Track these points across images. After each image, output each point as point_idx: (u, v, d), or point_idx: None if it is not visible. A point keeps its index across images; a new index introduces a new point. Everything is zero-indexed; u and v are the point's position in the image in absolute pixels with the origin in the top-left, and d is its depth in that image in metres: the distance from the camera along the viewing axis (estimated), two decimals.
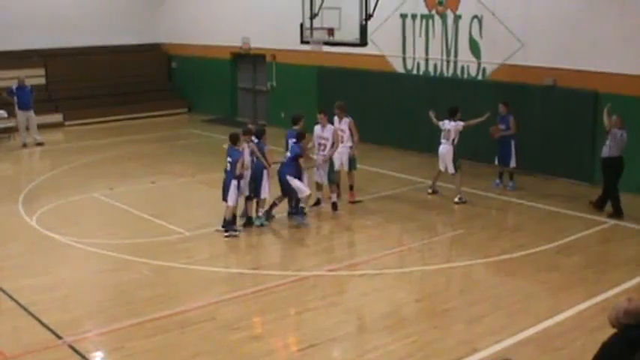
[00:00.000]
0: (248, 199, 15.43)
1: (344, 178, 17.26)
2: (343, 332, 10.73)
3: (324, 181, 16.64)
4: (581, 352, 9.36)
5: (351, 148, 16.96)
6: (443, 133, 17.38)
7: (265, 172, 15.24)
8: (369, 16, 17.63)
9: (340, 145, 16.64)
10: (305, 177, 15.72)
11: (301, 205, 15.64)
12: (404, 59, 22.90)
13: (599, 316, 9.22)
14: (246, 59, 29.15)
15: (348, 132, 16.96)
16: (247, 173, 15.00)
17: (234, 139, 14.85)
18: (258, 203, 15.56)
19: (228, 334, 10.50)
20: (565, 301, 11.54)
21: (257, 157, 15.16)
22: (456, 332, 10.66)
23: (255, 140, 15.33)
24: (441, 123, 17.45)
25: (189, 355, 9.90)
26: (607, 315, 6.25)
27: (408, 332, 10.57)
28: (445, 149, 17.24)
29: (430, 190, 17.90)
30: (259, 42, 27.44)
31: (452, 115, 17.31)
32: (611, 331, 6.20)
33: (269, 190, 15.44)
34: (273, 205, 15.79)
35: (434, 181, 17.89)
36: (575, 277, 12.72)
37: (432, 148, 18.96)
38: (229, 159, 14.73)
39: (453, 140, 17.13)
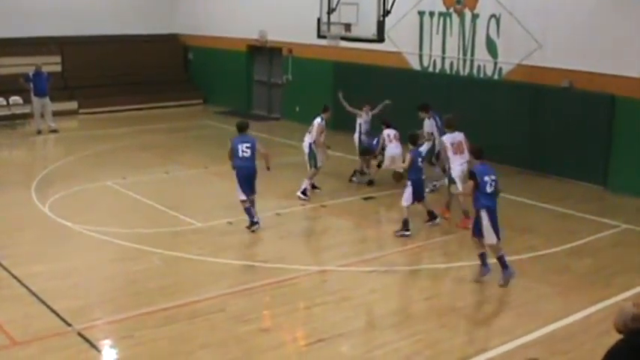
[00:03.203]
0: None
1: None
2: (352, 328, 10.75)
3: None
4: (589, 356, 9.35)
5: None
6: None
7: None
8: (386, 13, 17.64)
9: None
10: None
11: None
12: (420, 57, 22.87)
13: (608, 321, 9.13)
14: (263, 52, 29.17)
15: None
16: None
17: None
18: None
19: (237, 326, 10.54)
20: (574, 304, 11.52)
21: None
22: (464, 332, 10.68)
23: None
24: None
25: (198, 345, 9.95)
26: (612, 320, 6.21)
27: (417, 330, 10.58)
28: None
29: None
30: (276, 35, 27.44)
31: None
32: (619, 335, 6.18)
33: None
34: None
35: None
36: (585, 280, 12.70)
37: None
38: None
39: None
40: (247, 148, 14.62)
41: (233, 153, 14.67)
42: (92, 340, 9.94)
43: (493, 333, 10.55)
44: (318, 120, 17.34)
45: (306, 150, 17.19)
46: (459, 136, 15.73)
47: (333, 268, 13.03)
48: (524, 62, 20.02)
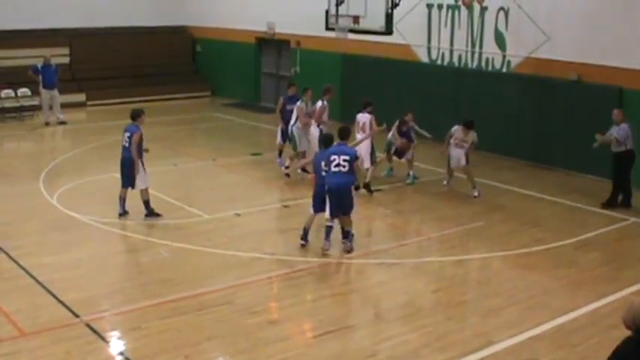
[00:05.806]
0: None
1: None
2: (359, 320, 10.76)
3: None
4: (597, 350, 9.35)
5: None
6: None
7: None
8: (395, 5, 17.62)
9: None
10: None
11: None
12: (429, 49, 22.81)
13: (616, 314, 9.20)
14: (271, 44, 29.14)
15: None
16: None
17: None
18: None
19: (245, 318, 10.54)
20: (582, 298, 11.50)
21: None
22: (472, 324, 10.66)
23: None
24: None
25: (205, 337, 9.96)
26: (621, 316, 6.12)
27: (424, 323, 10.57)
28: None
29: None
30: (284, 27, 27.42)
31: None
32: (627, 330, 6.13)
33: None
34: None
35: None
36: (592, 273, 12.67)
37: None
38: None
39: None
40: (128, 137, 15.04)
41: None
42: (100, 332, 9.96)
43: (500, 326, 10.52)
44: (297, 103, 18.07)
45: (290, 133, 18.18)
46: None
47: (341, 260, 13.02)
48: (533, 55, 19.96)
